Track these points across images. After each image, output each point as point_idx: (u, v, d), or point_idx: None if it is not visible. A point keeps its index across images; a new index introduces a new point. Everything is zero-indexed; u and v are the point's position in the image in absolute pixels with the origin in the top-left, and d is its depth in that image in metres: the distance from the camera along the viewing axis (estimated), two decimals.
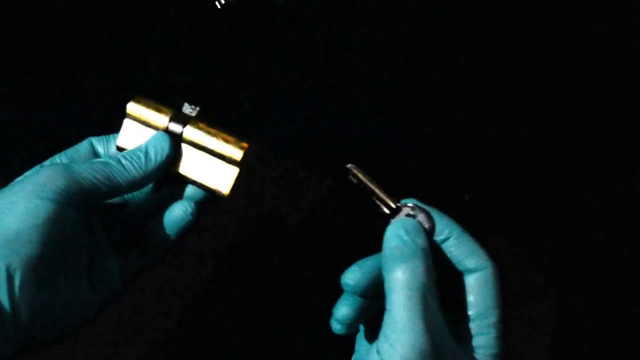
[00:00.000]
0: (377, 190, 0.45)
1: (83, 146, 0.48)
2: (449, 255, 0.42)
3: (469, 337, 0.41)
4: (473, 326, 0.41)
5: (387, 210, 0.44)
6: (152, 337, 0.67)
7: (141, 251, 0.49)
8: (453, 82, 0.76)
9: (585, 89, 0.75)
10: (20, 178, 0.44)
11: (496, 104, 0.76)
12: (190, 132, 0.47)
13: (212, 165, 0.47)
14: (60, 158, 0.48)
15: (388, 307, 0.39)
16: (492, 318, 0.41)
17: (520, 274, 0.71)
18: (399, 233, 0.41)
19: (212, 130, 0.47)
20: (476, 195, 0.73)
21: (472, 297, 0.41)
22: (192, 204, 0.47)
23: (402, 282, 0.38)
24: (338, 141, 0.75)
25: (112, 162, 0.45)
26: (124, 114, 0.49)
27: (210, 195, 0.48)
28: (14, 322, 0.40)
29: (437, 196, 0.73)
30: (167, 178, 0.48)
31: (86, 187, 0.43)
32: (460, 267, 0.42)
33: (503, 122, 0.75)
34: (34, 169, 0.47)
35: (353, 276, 0.42)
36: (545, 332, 0.69)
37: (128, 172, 0.45)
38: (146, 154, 0.46)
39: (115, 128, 0.50)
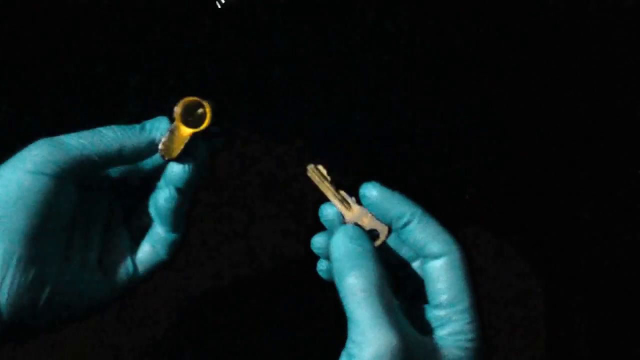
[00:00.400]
0: (330, 194, 0.44)
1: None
2: (410, 240, 0.42)
3: (440, 325, 0.41)
4: (444, 313, 0.40)
5: (343, 213, 0.44)
6: (152, 337, 0.67)
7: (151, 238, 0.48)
8: (453, 81, 0.76)
9: (585, 88, 0.75)
10: None
11: (496, 103, 0.75)
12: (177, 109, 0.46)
13: (171, 126, 0.45)
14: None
15: (348, 314, 0.39)
16: (464, 303, 0.40)
17: (518, 274, 0.71)
18: (344, 241, 0.41)
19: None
20: (476, 194, 0.73)
21: (441, 284, 0.41)
22: (170, 190, 0.46)
23: (355, 286, 0.39)
24: (339, 140, 0.75)
25: (103, 130, 0.44)
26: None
27: (189, 173, 0.47)
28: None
29: (438, 196, 0.73)
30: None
31: (76, 157, 0.42)
32: (423, 253, 0.41)
33: (503, 122, 0.75)
34: None
35: (318, 242, 0.44)
36: (544, 333, 0.69)
37: (120, 140, 0.44)
38: (142, 125, 0.45)
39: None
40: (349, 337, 0.38)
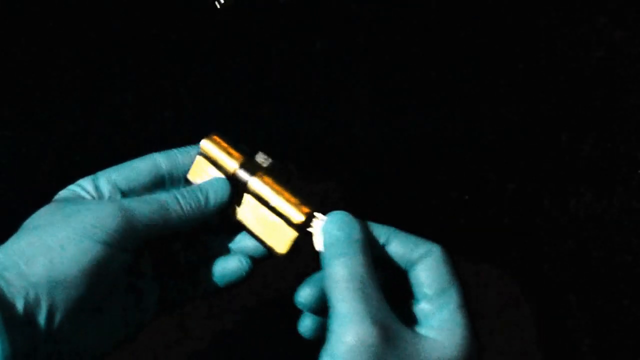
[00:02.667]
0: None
1: (145, 164, 0.47)
2: (394, 255, 0.43)
3: (430, 316, 0.41)
4: (432, 304, 0.41)
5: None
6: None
7: (184, 289, 0.48)
8: (450, 85, 0.76)
9: (584, 90, 0.75)
10: (73, 207, 0.43)
11: (493, 106, 0.76)
12: (256, 184, 0.46)
13: (272, 222, 0.46)
14: (117, 172, 0.46)
15: (329, 303, 0.39)
16: (449, 293, 0.41)
17: (516, 276, 0.71)
18: (332, 230, 0.41)
19: (277, 187, 0.45)
20: (476, 196, 0.73)
21: (427, 279, 0.41)
22: (249, 262, 0.46)
23: (339, 276, 0.39)
24: (339, 141, 0.75)
25: (169, 201, 0.44)
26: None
27: (267, 252, 0.47)
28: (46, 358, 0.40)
29: (437, 196, 0.74)
30: (228, 223, 0.47)
31: (140, 228, 0.42)
32: (409, 263, 0.42)
33: (502, 123, 0.75)
34: (86, 180, 0.45)
35: (304, 294, 0.43)
36: (544, 334, 0.69)
37: (185, 213, 0.44)
38: (206, 197, 0.45)
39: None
40: (328, 328, 0.39)
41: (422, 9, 0.77)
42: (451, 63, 0.77)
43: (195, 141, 0.47)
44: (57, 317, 0.40)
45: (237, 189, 0.46)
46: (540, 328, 0.69)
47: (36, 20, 0.77)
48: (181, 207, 0.44)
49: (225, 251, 0.48)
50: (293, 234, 0.45)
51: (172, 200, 0.44)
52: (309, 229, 0.44)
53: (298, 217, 0.44)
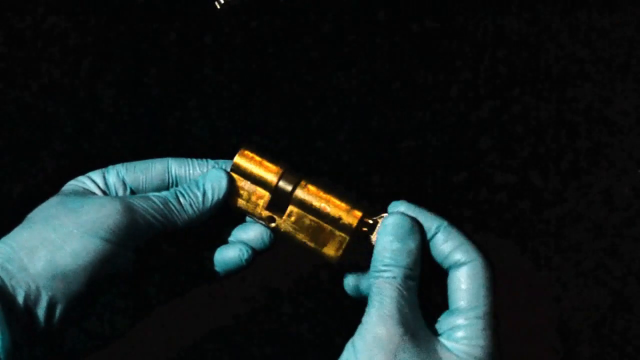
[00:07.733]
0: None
1: (157, 166, 0.47)
2: (435, 251, 0.43)
3: (456, 329, 0.41)
4: (461, 318, 0.41)
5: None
6: None
7: (185, 278, 0.48)
8: (448, 84, 0.76)
9: (581, 87, 0.75)
10: (77, 202, 0.43)
11: (492, 102, 0.76)
12: (302, 195, 0.46)
13: (321, 229, 0.46)
14: (127, 169, 0.47)
15: (369, 298, 0.41)
16: (480, 309, 0.41)
17: (517, 274, 0.71)
18: (389, 234, 0.42)
19: (324, 194, 0.46)
20: (475, 194, 0.73)
21: (460, 290, 0.42)
22: (250, 251, 0.47)
23: (383, 276, 0.41)
24: (339, 141, 0.75)
25: (171, 200, 0.45)
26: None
27: (268, 245, 0.47)
28: (45, 348, 0.41)
29: (436, 196, 0.73)
30: (229, 212, 0.47)
31: (142, 226, 0.43)
32: (447, 263, 0.43)
33: (500, 123, 0.75)
34: (96, 173, 0.46)
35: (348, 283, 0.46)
36: (545, 334, 0.69)
37: (185, 213, 0.45)
38: (204, 193, 0.45)
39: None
40: (362, 320, 0.40)
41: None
42: (451, 63, 0.77)
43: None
44: (58, 310, 0.40)
45: (280, 201, 0.46)
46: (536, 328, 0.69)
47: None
48: (182, 205, 0.45)
49: (226, 240, 0.48)
50: (345, 239, 0.45)
51: (174, 199, 0.45)
52: (365, 230, 0.44)
53: (352, 221, 0.45)
